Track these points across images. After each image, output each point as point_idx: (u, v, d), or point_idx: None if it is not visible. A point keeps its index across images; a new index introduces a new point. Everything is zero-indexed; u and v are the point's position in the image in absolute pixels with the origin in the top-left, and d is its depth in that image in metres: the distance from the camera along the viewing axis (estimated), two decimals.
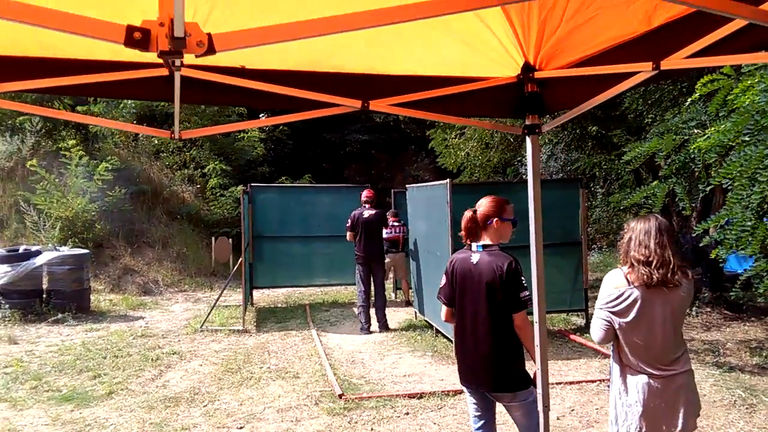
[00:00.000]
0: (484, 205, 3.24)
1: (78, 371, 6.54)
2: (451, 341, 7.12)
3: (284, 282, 10.95)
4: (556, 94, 2.66)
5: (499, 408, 3.32)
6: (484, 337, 3.14)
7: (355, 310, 8.99)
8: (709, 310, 8.43)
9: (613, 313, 2.77)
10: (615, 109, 8.78)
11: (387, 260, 9.13)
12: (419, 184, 8.73)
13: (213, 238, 12.72)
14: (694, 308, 8.45)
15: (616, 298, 2.75)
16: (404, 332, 8.19)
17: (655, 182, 5.36)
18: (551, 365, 6.57)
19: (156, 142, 15.16)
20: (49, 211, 11.15)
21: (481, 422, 3.29)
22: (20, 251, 9.37)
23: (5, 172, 12.57)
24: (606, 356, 6.86)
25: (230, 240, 12.46)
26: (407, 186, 9.02)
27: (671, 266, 2.69)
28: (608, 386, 3.08)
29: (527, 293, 3.04)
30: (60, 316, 8.85)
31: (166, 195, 14.35)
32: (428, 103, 2.70)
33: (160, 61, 2.26)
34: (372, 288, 8.51)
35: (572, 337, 7.59)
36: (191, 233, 13.71)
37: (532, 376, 3.16)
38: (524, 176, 15.93)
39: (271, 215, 10.50)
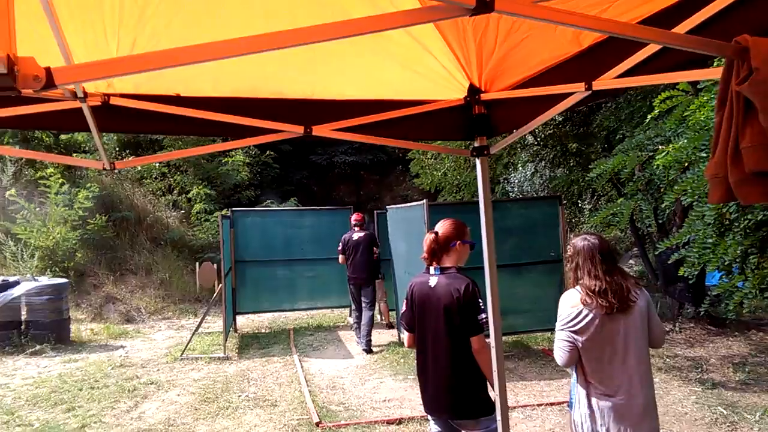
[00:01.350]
0: (445, 227, 3.20)
1: (52, 404, 6.40)
2: None
3: (268, 307, 10.84)
4: (503, 115, 2.64)
5: None
6: (445, 363, 3.08)
7: (340, 333, 9.09)
8: (692, 325, 8.38)
9: (573, 332, 2.74)
10: (589, 126, 8.81)
11: None
12: (398, 205, 8.71)
13: (197, 264, 12.63)
14: (677, 324, 8.40)
15: (576, 317, 2.73)
16: (387, 355, 8.09)
17: (620, 199, 5.35)
18: (533, 385, 6.52)
19: (139, 168, 15.11)
20: (28, 240, 11.04)
21: None
22: None
23: None
24: None
25: (215, 265, 12.38)
26: (387, 207, 8.99)
27: (625, 291, 2.69)
28: (569, 407, 3.02)
29: (485, 316, 2.99)
30: (38, 347, 8.71)
31: (150, 221, 14.24)
32: (375, 127, 2.67)
33: (91, 90, 2.23)
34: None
35: (549, 352, 7.50)
36: (175, 259, 13.59)
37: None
38: (510, 194, 15.98)
39: (254, 239, 10.44)
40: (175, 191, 15.38)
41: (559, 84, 2.20)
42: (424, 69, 2.51)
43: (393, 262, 8.76)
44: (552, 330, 8.10)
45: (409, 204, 7.94)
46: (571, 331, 2.75)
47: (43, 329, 8.97)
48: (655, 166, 4.53)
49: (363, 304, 8.59)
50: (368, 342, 8.42)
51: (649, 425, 2.75)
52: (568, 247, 2.96)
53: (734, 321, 7.83)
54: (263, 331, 10.39)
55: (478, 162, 2.72)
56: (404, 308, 3.34)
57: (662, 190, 4.79)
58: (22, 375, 7.65)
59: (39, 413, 6.14)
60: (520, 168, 14.81)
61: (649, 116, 4.92)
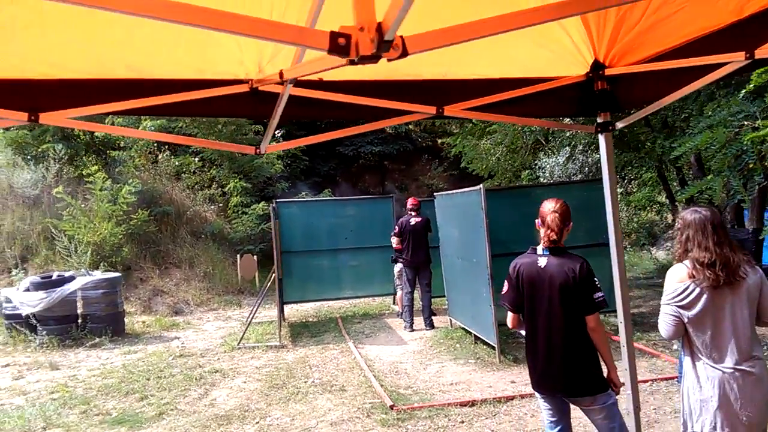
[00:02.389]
0: (561, 207, 3.18)
1: (124, 393, 6.55)
2: (493, 348, 7.06)
3: (313, 296, 10.94)
4: (632, 90, 2.65)
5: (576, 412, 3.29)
6: (559, 342, 3.10)
7: (387, 320, 9.30)
8: None
9: (680, 306, 2.76)
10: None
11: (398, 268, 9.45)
12: (449, 192, 8.72)
13: (238, 256, 12.78)
14: None
15: (682, 292, 2.75)
16: (442, 340, 8.13)
17: (710, 176, 5.30)
18: None
19: (176, 163, 15.25)
20: (77, 236, 11.23)
21: (558, 427, 3.25)
22: (54, 277, 9.43)
23: (32, 200, 12.69)
24: (653, 355, 6.79)
25: (255, 257, 12.52)
26: (435, 194, 9.01)
27: (734, 264, 2.69)
28: (678, 381, 3.04)
29: (601, 294, 3.02)
30: (97, 340, 8.89)
31: (189, 215, 14.41)
32: (498, 105, 2.69)
33: (242, 77, 2.28)
34: (418, 290, 9.08)
35: (614, 338, 7.49)
36: (216, 252, 13.75)
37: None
38: (540, 179, 15.87)
39: (297, 230, 10.50)
40: (212, 185, 15.52)
41: (703, 56, 2.19)
42: (551, 42, 2.52)
43: (441, 249, 8.79)
44: (603, 313, 8.12)
45: (462, 189, 7.94)
46: (677, 306, 2.77)
47: (100, 322, 9.16)
48: (745, 142, 4.49)
49: (421, 287, 8.93)
50: (430, 322, 8.92)
51: (761, 395, 2.76)
52: (677, 220, 2.97)
53: None
54: (311, 319, 10.49)
55: (602, 138, 2.74)
56: (506, 289, 3.34)
57: (751, 165, 4.77)
58: (87, 366, 7.83)
59: (113, 402, 6.29)
60: (553, 153, 14.70)
61: (743, 91, 4.87)
